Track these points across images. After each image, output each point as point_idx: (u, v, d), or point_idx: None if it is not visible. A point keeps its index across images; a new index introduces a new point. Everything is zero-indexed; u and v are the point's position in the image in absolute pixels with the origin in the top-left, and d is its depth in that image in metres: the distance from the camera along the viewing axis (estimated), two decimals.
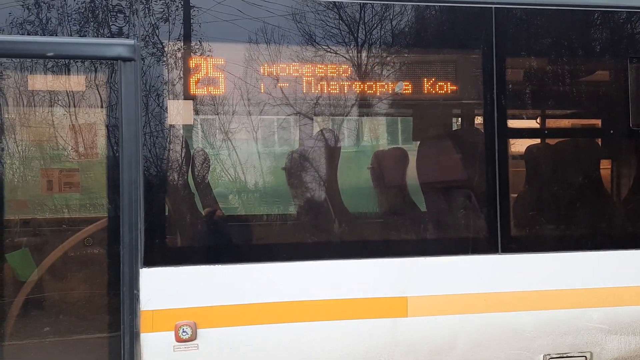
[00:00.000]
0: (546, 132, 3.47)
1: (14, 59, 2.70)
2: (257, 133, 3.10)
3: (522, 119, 3.32)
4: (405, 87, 3.07)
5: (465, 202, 3.15)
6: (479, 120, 3.22)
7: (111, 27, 2.77)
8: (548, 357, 3.13)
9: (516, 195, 3.25)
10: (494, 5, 3.11)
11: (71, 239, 2.81)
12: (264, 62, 2.94)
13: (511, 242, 3.10)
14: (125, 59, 2.74)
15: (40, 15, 2.72)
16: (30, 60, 2.74)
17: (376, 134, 3.70)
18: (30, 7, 2.70)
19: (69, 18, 2.72)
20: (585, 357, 3.16)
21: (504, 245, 3.09)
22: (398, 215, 3.25)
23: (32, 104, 2.87)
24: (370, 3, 3.01)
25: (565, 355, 3.14)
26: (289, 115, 3.16)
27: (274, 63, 2.95)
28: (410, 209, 3.26)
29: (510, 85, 3.14)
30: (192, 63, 2.86)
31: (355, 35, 3.01)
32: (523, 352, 3.09)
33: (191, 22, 2.87)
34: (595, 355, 3.16)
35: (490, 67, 3.10)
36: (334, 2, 2.97)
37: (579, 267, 3.13)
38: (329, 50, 2.98)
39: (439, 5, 3.13)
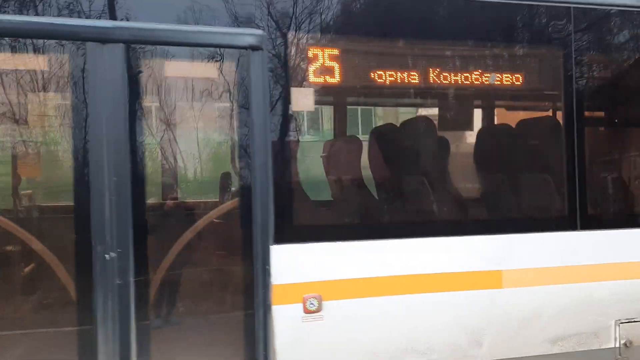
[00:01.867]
0: (618, 120, 3.80)
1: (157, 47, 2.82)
2: (370, 119, 3.32)
3: (598, 109, 3.64)
4: (497, 79, 3.34)
5: (551, 186, 3.46)
6: (560, 110, 3.52)
7: (241, 17, 2.91)
8: (619, 322, 3.49)
9: (592, 179, 3.57)
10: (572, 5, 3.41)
11: (206, 217, 2.97)
12: (373, 54, 3.15)
13: (588, 221, 3.44)
14: (254, 48, 2.90)
15: (173, 3, 2.85)
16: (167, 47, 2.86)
17: (477, 121, 3.94)
18: None
19: (204, 7, 2.86)
20: None
21: (582, 224, 3.42)
22: (495, 198, 3.52)
23: (171, 91, 2.98)
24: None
25: (632, 320, 3.51)
26: (391, 102, 3.38)
27: (383, 55, 3.17)
28: (504, 192, 3.54)
29: (587, 78, 3.45)
30: (310, 53, 3.04)
31: (459, 31, 3.25)
32: (598, 318, 3.44)
33: (311, 14, 3.05)
34: None
35: (570, 61, 3.40)
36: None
37: None
38: (434, 45, 3.22)
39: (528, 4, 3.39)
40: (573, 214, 3.42)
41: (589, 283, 3.41)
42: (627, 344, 3.51)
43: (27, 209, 2.99)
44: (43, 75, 2.81)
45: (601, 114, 3.71)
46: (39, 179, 3.15)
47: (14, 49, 2.70)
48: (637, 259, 3.49)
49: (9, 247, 2.78)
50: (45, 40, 2.69)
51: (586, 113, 3.46)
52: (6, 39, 2.64)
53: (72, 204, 2.70)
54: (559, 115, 3.49)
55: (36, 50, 2.72)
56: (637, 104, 3.60)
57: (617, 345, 3.50)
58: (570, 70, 3.39)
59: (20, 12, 2.62)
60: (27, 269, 2.77)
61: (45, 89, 2.80)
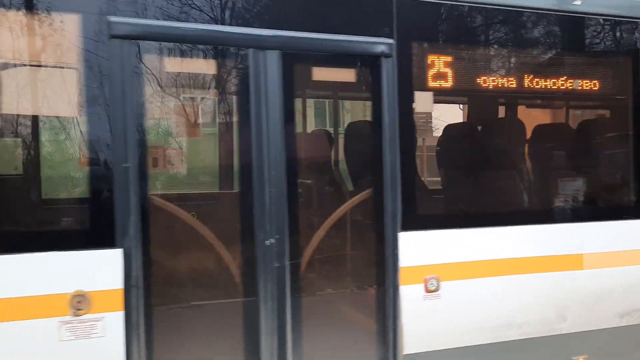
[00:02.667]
0: None
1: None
2: (478, 117, 3.70)
3: None
4: (579, 85, 3.78)
5: (619, 179, 3.94)
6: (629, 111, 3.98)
7: (375, 28, 3.24)
8: None
9: None
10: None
11: (343, 208, 3.30)
12: (476, 61, 3.54)
13: None
14: (386, 56, 3.24)
15: (315, 14, 3.16)
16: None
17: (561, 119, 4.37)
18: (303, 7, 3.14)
19: (345, 18, 3.18)
20: None
21: None
22: (576, 190, 3.97)
23: (316, 92, 3.29)
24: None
25: None
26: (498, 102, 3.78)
27: (486, 62, 3.56)
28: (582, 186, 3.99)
29: None
30: (429, 60, 3.40)
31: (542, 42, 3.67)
32: None
33: (431, 26, 3.41)
34: None
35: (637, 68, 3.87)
36: (537, 12, 3.60)
37: None
38: (524, 54, 3.62)
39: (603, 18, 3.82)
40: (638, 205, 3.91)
41: None
42: None
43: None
44: (217, 78, 3.07)
45: None
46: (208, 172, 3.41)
47: (194, 55, 2.96)
48: None
49: (186, 234, 3.05)
50: (216, 47, 2.95)
51: None
52: (186, 45, 2.90)
53: (237, 194, 3.00)
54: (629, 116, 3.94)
55: (208, 55, 2.99)
56: None
57: None
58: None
59: (196, 21, 2.88)
60: (205, 253, 3.05)
61: (217, 89, 3.06)
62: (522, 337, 3.58)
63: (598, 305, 3.80)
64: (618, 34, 3.91)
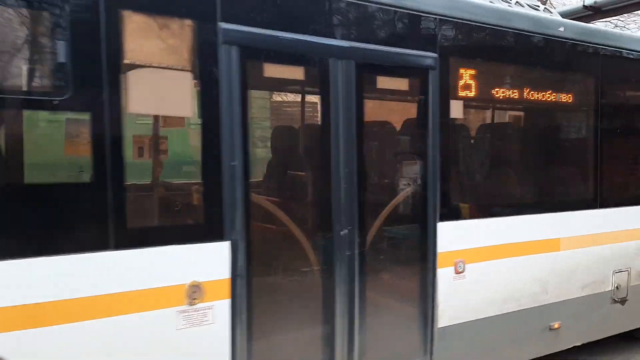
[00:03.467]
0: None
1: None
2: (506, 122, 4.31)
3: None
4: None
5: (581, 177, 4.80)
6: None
7: (423, 44, 3.68)
8: (614, 271, 4.97)
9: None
10: None
11: (394, 202, 3.71)
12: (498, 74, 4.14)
13: (604, 202, 4.82)
14: (431, 68, 3.71)
15: (380, 29, 3.53)
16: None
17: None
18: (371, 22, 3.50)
19: (401, 34, 3.58)
20: (628, 270, 5.08)
21: (601, 203, 4.81)
22: (556, 183, 4.73)
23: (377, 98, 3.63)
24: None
25: (620, 270, 5.02)
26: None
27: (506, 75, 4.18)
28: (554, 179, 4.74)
29: None
30: (460, 72, 3.91)
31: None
32: (607, 268, 4.89)
33: (461, 44, 3.93)
34: (633, 270, 5.11)
35: None
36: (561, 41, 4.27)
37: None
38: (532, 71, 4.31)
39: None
40: (595, 195, 4.79)
41: (603, 245, 4.83)
42: (617, 287, 5.04)
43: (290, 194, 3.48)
44: (303, 83, 3.31)
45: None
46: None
47: (288, 61, 3.17)
48: (627, 227, 4.99)
49: (274, 226, 3.27)
50: (299, 55, 3.22)
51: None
52: (282, 52, 3.11)
53: (314, 189, 3.31)
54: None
55: (298, 62, 3.23)
56: None
57: (612, 288, 4.99)
58: None
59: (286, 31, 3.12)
60: (292, 244, 3.31)
61: (303, 93, 3.30)
62: (519, 309, 4.29)
63: (568, 280, 4.62)
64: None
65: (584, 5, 9.72)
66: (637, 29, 19.64)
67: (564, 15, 10.15)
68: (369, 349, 3.53)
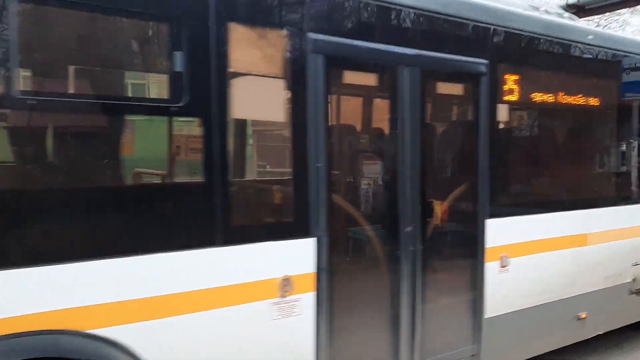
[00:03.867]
0: None
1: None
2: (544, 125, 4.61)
3: None
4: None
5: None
6: None
7: (475, 52, 3.93)
8: (632, 264, 5.32)
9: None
10: None
11: (450, 199, 3.96)
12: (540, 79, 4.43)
13: (623, 200, 5.17)
14: (482, 74, 3.96)
15: (439, 38, 3.77)
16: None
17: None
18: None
19: (458, 42, 3.83)
20: None
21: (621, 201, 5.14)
22: (586, 182, 5.04)
23: (436, 102, 3.86)
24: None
25: (637, 263, 5.36)
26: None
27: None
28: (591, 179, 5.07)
29: None
30: (505, 78, 4.17)
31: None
32: (626, 262, 5.22)
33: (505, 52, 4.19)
34: None
35: None
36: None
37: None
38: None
39: None
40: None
41: (623, 240, 5.16)
42: (634, 279, 5.39)
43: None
44: (376, 89, 3.52)
45: None
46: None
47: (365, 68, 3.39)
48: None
49: (350, 223, 3.49)
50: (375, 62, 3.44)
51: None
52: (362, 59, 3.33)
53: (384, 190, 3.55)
54: None
55: (372, 69, 3.44)
56: None
57: (630, 280, 5.34)
58: None
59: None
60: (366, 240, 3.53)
61: (375, 98, 3.52)
62: (552, 300, 4.58)
63: (593, 272, 4.94)
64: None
65: (567, 4, 9.79)
66: (619, 28, 20.30)
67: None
68: (428, 337, 3.78)
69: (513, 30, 4.13)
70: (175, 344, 2.69)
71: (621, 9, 14.87)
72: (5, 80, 2.27)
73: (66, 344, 2.40)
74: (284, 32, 3.01)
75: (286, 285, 3.05)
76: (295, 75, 3.07)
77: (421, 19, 3.62)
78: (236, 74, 2.85)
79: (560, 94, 4.54)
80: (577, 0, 9.93)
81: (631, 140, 5.24)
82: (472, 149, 3.99)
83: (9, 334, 2.26)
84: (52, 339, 2.37)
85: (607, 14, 18.56)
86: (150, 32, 2.65)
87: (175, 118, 2.72)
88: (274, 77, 3.05)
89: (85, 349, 2.44)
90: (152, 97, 2.74)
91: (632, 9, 21.19)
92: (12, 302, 2.26)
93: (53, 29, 2.46)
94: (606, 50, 4.96)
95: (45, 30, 2.45)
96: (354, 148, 3.80)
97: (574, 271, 4.76)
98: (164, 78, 2.70)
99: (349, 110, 3.52)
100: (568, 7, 9.57)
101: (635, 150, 5.32)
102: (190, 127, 2.74)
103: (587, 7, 10.25)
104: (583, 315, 4.90)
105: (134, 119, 2.64)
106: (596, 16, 17.16)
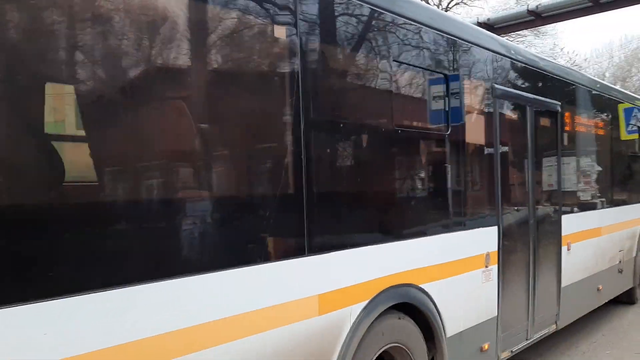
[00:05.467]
0: None
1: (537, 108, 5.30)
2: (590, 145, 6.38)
3: None
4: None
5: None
6: None
7: (555, 97, 5.58)
8: (619, 250, 7.28)
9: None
10: None
11: (544, 201, 5.53)
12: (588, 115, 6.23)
13: (616, 202, 7.13)
14: (557, 112, 5.62)
15: (540, 88, 5.37)
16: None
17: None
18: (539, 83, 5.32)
19: (548, 90, 5.47)
20: (623, 250, 7.42)
21: (615, 203, 7.10)
22: (592, 191, 6.87)
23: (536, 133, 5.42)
24: None
25: (621, 250, 7.33)
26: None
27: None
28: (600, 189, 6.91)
29: None
30: (564, 112, 5.87)
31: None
32: (617, 248, 7.15)
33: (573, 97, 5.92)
34: (625, 249, 7.47)
35: None
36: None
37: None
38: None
39: None
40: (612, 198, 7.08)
41: (617, 232, 7.09)
42: (620, 261, 7.34)
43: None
44: (514, 123, 5.00)
45: None
46: None
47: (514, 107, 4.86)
48: (624, 220, 7.34)
49: (511, 216, 4.88)
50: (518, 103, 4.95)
51: None
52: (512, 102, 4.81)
53: (521, 194, 5.03)
54: None
55: (516, 107, 4.94)
56: None
57: (618, 262, 7.28)
58: None
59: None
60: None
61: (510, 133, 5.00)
62: (586, 276, 6.31)
63: (604, 256, 6.78)
64: None
65: (528, 10, 11.09)
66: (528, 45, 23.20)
67: (506, 19, 11.43)
68: (539, 295, 5.26)
69: (574, 83, 5.87)
70: (448, 293, 3.90)
71: (526, 29, 15.30)
72: (388, 119, 3.47)
73: (411, 293, 3.57)
74: (486, 83, 4.42)
75: (487, 259, 4.39)
76: (490, 114, 4.47)
77: (535, 74, 5.21)
78: (468, 113, 4.20)
79: (601, 124, 6.40)
80: (536, 7, 10.94)
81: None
82: (555, 164, 5.62)
83: (387, 287, 3.39)
84: (405, 290, 3.53)
85: (513, 35, 20.84)
86: (428, 84, 3.93)
87: (445, 142, 4.00)
88: (481, 114, 4.43)
89: (416, 296, 3.61)
90: (432, 129, 4.00)
91: (535, 30, 24.18)
92: (383, 269, 3.38)
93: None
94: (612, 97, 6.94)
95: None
96: (515, 166, 5.23)
97: (595, 255, 6.55)
98: (440, 114, 3.98)
99: (509, 134, 4.96)
100: (528, 13, 11.01)
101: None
102: (451, 148, 4.04)
103: (544, 15, 11.27)
104: (600, 287, 6.70)
105: (428, 142, 3.91)
106: (502, 37, 19.91)
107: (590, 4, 10.37)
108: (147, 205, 2.34)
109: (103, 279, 2.10)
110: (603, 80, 19.18)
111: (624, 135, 7.58)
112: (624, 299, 7.84)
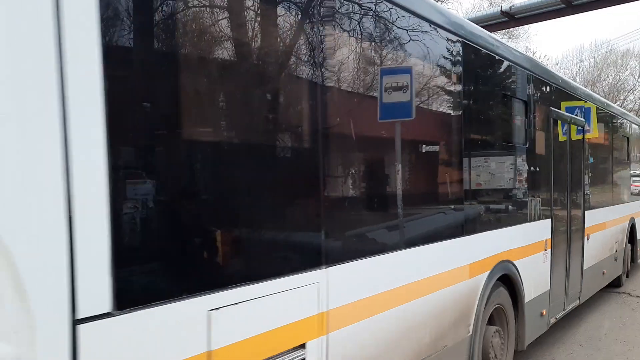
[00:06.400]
0: None
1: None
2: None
3: None
4: None
5: None
6: None
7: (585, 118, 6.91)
8: (615, 241, 8.74)
9: None
10: None
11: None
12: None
13: (614, 202, 8.59)
14: (584, 128, 6.95)
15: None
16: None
17: None
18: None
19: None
20: (618, 241, 8.90)
21: (614, 202, 8.56)
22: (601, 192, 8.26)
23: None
24: None
25: (616, 241, 8.80)
26: None
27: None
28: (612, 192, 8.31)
29: None
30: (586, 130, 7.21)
31: None
32: (614, 240, 8.63)
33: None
34: (618, 241, 8.98)
35: None
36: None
37: None
38: None
39: None
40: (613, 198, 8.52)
41: (614, 226, 8.55)
42: (616, 250, 8.80)
43: None
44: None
45: None
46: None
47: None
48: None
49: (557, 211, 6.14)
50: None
51: None
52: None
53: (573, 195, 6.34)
54: None
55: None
56: None
57: (614, 252, 8.72)
58: None
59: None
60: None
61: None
62: (596, 262, 7.69)
63: (605, 246, 8.21)
64: None
65: (501, 11, 11.21)
66: None
67: (480, 20, 11.50)
68: (571, 279, 6.56)
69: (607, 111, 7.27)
70: (526, 269, 5.11)
71: (500, 30, 14.96)
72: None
73: (509, 267, 4.77)
74: (545, 107, 5.67)
75: (545, 244, 5.64)
76: (548, 130, 5.73)
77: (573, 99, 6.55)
78: (537, 130, 5.45)
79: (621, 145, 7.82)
80: (509, 8, 11.11)
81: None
82: (581, 170, 6.95)
83: (498, 262, 4.57)
84: (507, 264, 4.73)
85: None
86: (519, 109, 5.14)
87: (525, 153, 5.23)
88: (540, 130, 5.67)
89: (512, 269, 4.82)
90: (515, 143, 5.22)
91: (507, 32, 25.26)
92: (496, 248, 4.57)
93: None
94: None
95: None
96: (559, 172, 6.49)
97: (602, 244, 7.95)
98: (522, 133, 5.19)
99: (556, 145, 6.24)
100: (502, 14, 11.23)
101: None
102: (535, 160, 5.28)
103: (517, 16, 11.48)
104: (605, 271, 8.12)
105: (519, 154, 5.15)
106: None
107: (563, 5, 10.74)
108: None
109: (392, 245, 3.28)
110: None
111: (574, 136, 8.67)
112: (615, 283, 9.31)
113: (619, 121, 9.02)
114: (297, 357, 2.47)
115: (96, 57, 1.70)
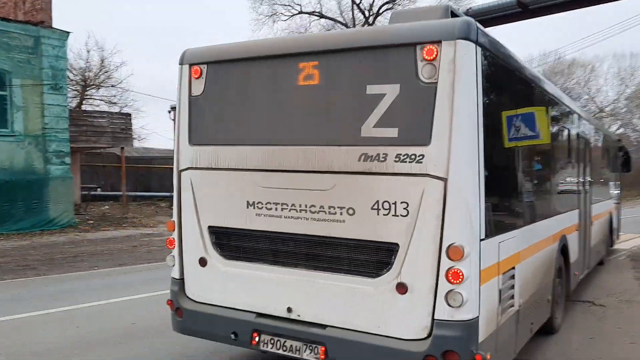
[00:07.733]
0: None
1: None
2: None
3: None
4: None
5: None
6: None
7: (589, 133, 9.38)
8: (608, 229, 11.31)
9: None
10: None
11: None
12: None
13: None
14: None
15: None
16: None
17: None
18: None
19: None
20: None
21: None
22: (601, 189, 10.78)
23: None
24: None
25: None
26: None
27: None
28: None
29: None
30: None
31: None
32: (607, 229, 11.24)
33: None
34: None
35: None
36: None
37: None
38: None
39: None
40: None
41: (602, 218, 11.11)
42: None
43: None
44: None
45: None
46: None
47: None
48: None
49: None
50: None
51: None
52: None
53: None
54: None
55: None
56: None
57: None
58: None
59: None
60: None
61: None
62: (597, 242, 10.19)
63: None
64: None
65: (517, 1, 11.51)
66: None
67: (492, 9, 11.42)
68: (586, 253, 8.97)
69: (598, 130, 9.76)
70: (570, 242, 7.47)
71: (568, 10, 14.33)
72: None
73: (566, 239, 7.10)
74: (576, 133, 8.09)
75: (577, 227, 8.03)
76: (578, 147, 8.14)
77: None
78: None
79: (600, 148, 10.36)
80: None
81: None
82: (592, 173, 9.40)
83: (562, 235, 6.89)
84: (566, 236, 7.06)
85: None
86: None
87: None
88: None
89: (567, 240, 7.16)
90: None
91: None
92: (561, 226, 6.88)
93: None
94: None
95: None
96: (581, 174, 8.84)
97: (599, 229, 10.47)
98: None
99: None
100: (518, 4, 11.66)
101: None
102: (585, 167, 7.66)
103: (531, 7, 11.82)
104: (599, 251, 10.66)
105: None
106: None
107: (519, 9, 11.67)
108: None
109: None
110: None
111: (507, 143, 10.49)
112: (603, 263, 11.87)
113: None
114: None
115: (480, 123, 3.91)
